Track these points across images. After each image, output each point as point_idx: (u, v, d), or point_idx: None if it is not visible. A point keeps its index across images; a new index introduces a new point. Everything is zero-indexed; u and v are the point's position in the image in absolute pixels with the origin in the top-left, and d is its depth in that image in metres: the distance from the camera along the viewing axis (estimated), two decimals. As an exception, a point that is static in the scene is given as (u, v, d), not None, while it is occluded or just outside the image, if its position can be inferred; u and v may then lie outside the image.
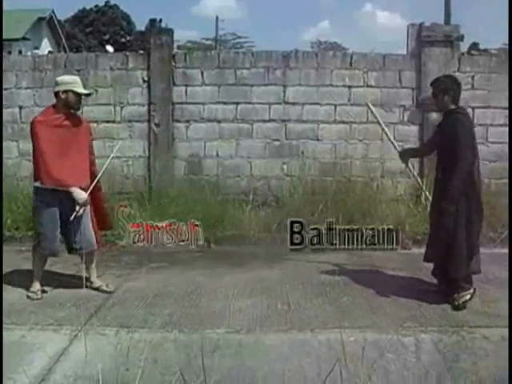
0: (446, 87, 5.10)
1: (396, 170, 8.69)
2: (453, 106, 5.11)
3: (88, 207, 5.23)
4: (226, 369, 3.53)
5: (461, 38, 8.80)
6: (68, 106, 5.15)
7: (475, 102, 8.55)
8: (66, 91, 5.10)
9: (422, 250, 5.46)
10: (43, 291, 5.34)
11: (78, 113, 5.41)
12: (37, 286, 5.29)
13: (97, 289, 5.41)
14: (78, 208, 5.04)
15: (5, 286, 5.53)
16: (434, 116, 8.57)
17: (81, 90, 5.19)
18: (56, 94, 5.16)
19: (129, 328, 4.43)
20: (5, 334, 4.31)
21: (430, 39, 8.59)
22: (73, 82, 5.22)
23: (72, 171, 5.01)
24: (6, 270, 6.03)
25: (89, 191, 5.19)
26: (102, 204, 5.71)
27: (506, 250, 5.79)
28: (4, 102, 8.93)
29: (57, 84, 5.20)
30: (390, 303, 5.08)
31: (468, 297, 4.97)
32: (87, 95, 5.39)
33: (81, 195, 5.05)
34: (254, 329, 4.48)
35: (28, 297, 5.21)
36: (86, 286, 5.38)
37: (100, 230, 5.69)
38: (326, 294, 5.36)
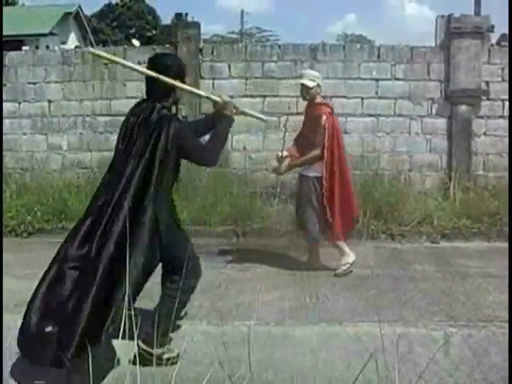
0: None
1: (424, 164, 8.64)
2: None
3: None
4: (255, 361, 3.54)
5: (491, 28, 8.68)
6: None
7: (506, 95, 8.42)
8: None
9: (451, 244, 5.39)
10: None
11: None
12: None
13: None
14: None
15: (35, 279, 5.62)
16: (463, 108, 8.51)
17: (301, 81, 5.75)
18: None
19: (158, 319, 4.48)
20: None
21: (459, 31, 8.46)
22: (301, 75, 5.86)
23: None
24: (38, 261, 6.13)
25: None
26: None
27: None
28: (33, 96, 9.09)
29: None
30: (419, 297, 5.07)
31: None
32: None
33: None
34: (282, 321, 4.51)
35: None
36: None
37: None
38: (354, 287, 5.35)
